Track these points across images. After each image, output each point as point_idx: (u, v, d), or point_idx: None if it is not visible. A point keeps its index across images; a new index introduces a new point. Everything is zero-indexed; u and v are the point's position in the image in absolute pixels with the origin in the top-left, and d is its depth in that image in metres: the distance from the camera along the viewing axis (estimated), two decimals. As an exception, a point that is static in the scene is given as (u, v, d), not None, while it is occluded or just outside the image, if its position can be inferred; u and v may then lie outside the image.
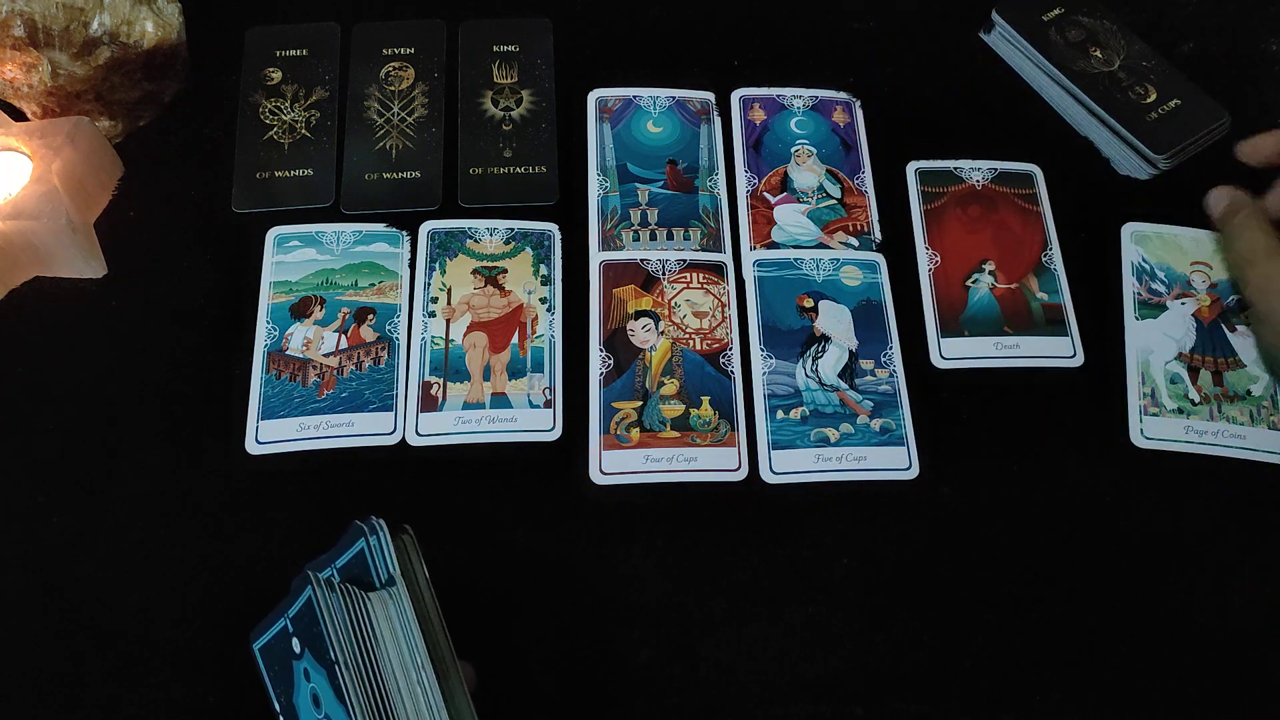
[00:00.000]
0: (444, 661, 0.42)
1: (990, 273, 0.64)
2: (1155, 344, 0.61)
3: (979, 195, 0.67)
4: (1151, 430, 0.59)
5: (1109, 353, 0.62)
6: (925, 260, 0.64)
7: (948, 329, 0.62)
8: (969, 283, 0.63)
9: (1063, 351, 0.61)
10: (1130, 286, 0.63)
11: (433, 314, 0.61)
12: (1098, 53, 0.70)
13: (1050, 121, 0.70)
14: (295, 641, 0.42)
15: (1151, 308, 0.62)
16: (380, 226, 0.63)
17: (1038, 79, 0.71)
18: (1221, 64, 0.72)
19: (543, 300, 0.62)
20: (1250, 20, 0.74)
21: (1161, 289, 0.63)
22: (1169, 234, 0.65)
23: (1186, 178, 0.67)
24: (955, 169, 0.67)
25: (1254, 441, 0.59)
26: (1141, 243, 0.64)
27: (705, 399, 0.59)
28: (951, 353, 0.61)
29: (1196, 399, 0.60)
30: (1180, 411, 0.60)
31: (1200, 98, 0.68)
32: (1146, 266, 0.64)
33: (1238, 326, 0.62)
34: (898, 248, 0.65)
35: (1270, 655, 0.54)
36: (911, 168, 0.67)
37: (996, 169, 0.67)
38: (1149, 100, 0.68)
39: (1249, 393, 0.60)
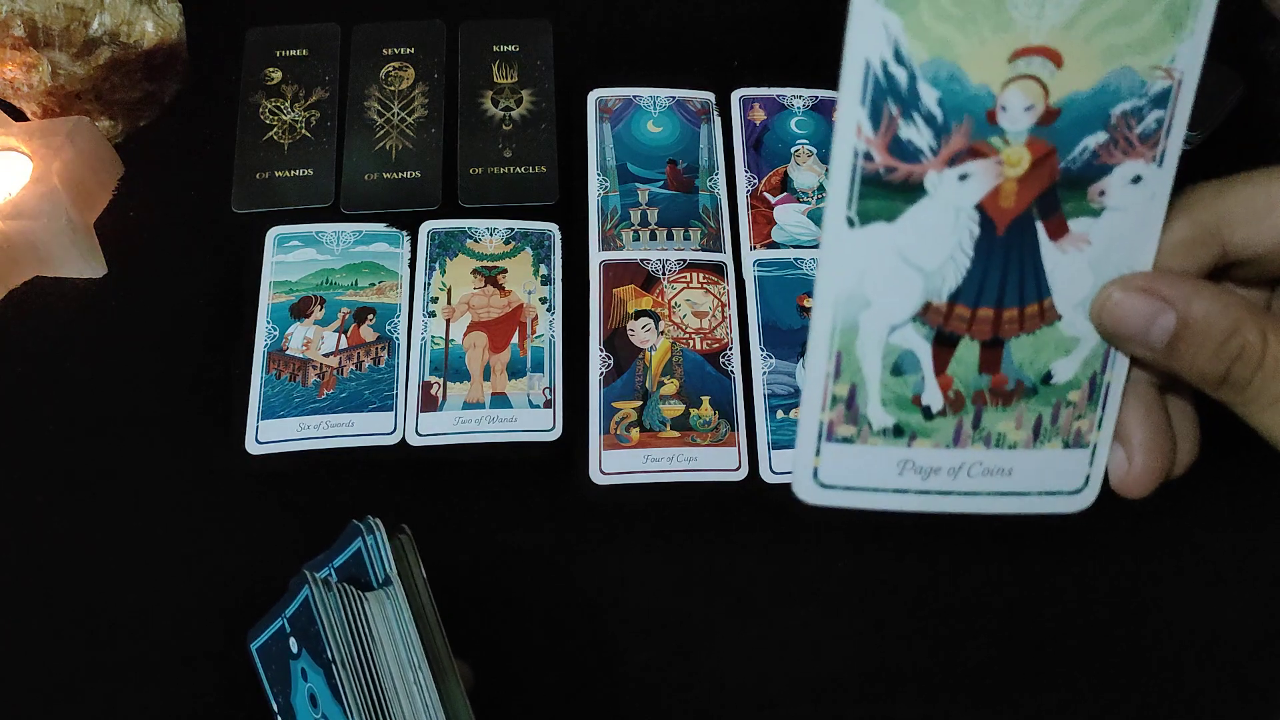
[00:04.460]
0: (441, 661, 0.42)
1: None
2: (878, 286, 0.30)
3: None
4: (838, 473, 0.33)
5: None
6: None
7: None
8: None
9: None
10: (851, 134, 0.28)
11: (433, 314, 0.61)
12: None
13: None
14: (293, 641, 0.42)
15: (889, 193, 0.29)
16: (380, 226, 0.63)
17: None
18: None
19: (543, 300, 0.62)
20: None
21: (922, 140, 0.29)
22: None
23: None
24: None
25: (1023, 479, 0.32)
26: (899, 4, 0.27)
27: (705, 399, 0.59)
28: None
29: (937, 404, 0.32)
30: (899, 432, 0.32)
31: (1214, 67, 0.67)
32: (900, 74, 0.28)
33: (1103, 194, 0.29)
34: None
35: (1272, 654, 0.54)
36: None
37: None
38: None
39: (1048, 378, 0.31)
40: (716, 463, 0.57)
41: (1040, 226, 0.29)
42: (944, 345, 0.31)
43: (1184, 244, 0.29)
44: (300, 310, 0.61)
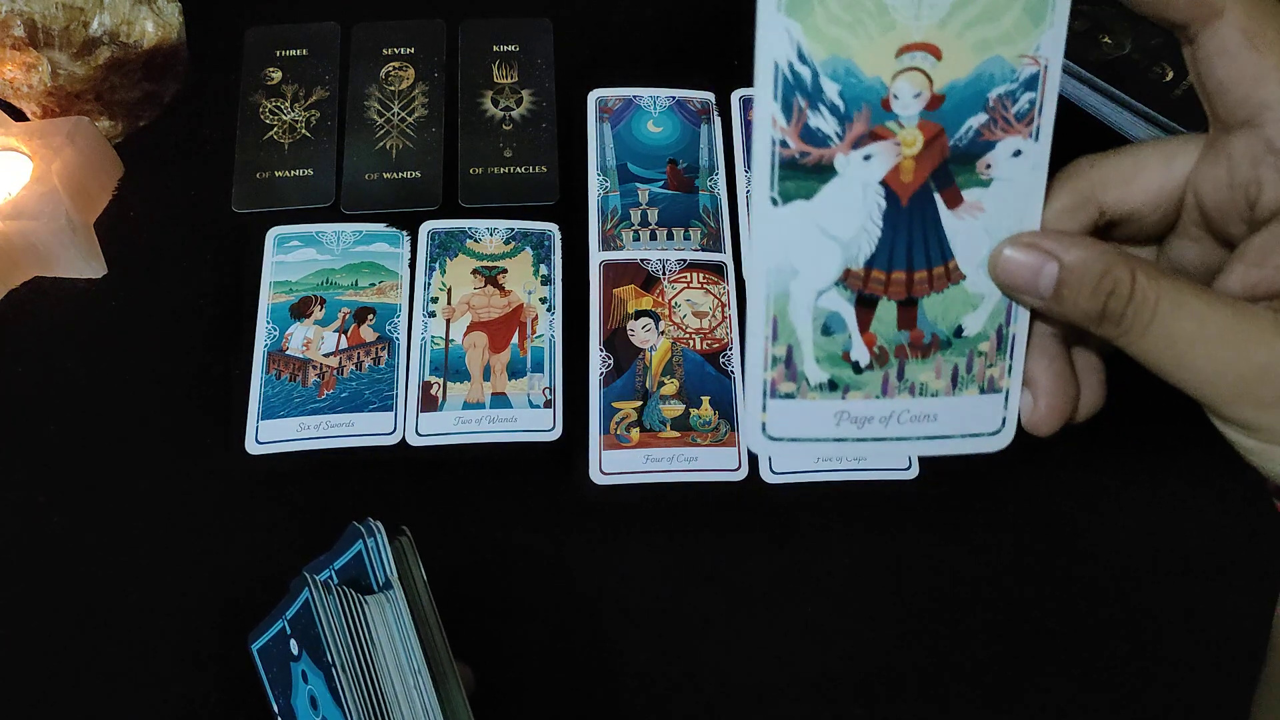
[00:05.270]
0: (441, 665, 0.42)
1: None
2: (802, 256, 0.33)
3: None
4: (784, 425, 0.35)
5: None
6: None
7: None
8: None
9: None
10: (767, 125, 0.32)
11: (433, 314, 0.61)
12: (1107, 39, 0.69)
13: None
14: (293, 643, 0.42)
15: (804, 174, 0.32)
16: (380, 226, 0.63)
17: None
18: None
19: (543, 300, 0.62)
20: None
21: (829, 127, 0.32)
22: None
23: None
24: None
25: (948, 423, 0.36)
26: (797, 11, 0.30)
27: (705, 399, 0.59)
28: None
29: (865, 359, 0.35)
30: (833, 386, 0.35)
31: None
32: (804, 71, 0.31)
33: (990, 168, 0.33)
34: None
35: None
36: None
37: None
38: (1168, 79, 0.67)
39: (960, 332, 0.35)
40: (716, 463, 0.57)
41: (938, 197, 0.33)
42: (865, 306, 0.34)
43: (1067, 208, 0.34)
44: (300, 310, 0.61)
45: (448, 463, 0.58)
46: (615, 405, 0.59)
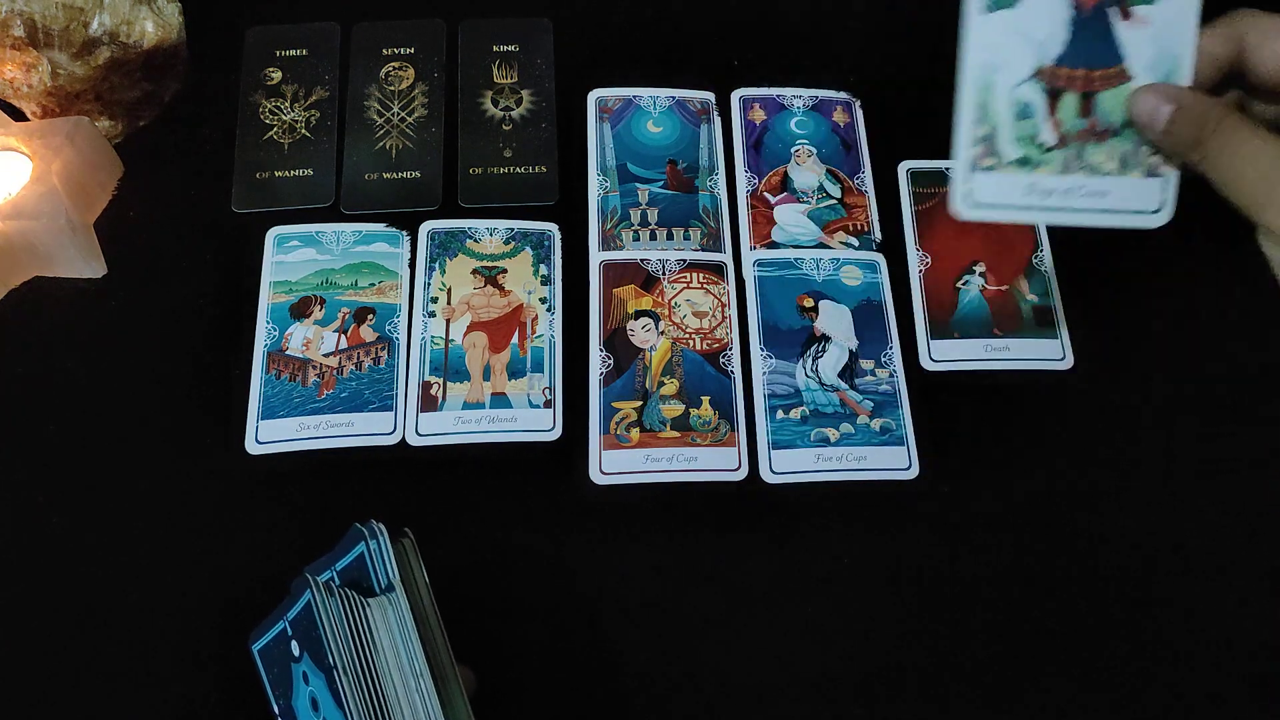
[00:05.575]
0: (443, 668, 0.42)
1: (981, 274, 0.64)
2: (1005, 55, 0.44)
3: None
4: (985, 193, 0.44)
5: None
6: (916, 261, 0.64)
7: (938, 331, 0.62)
8: (959, 284, 0.63)
9: (1052, 354, 0.61)
10: None
11: (433, 314, 0.61)
12: None
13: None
14: (294, 644, 0.42)
15: None
16: (380, 226, 0.63)
17: None
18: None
19: (543, 300, 0.62)
20: None
21: None
22: None
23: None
24: (947, 169, 0.67)
25: (1116, 200, 0.44)
26: None
27: (705, 399, 0.59)
28: (941, 355, 0.61)
29: (1051, 141, 0.44)
30: (1025, 162, 0.44)
31: None
32: None
33: (1134, 10, 0.43)
34: (890, 248, 0.65)
35: (1275, 662, 0.54)
36: (903, 168, 0.67)
37: None
38: None
39: (1129, 124, 0.44)
40: (716, 463, 0.58)
41: (1115, 10, 0.43)
42: (1053, 97, 0.43)
43: (1218, 36, 0.43)
44: (300, 310, 0.61)
45: (448, 463, 0.58)
46: (615, 405, 0.59)
